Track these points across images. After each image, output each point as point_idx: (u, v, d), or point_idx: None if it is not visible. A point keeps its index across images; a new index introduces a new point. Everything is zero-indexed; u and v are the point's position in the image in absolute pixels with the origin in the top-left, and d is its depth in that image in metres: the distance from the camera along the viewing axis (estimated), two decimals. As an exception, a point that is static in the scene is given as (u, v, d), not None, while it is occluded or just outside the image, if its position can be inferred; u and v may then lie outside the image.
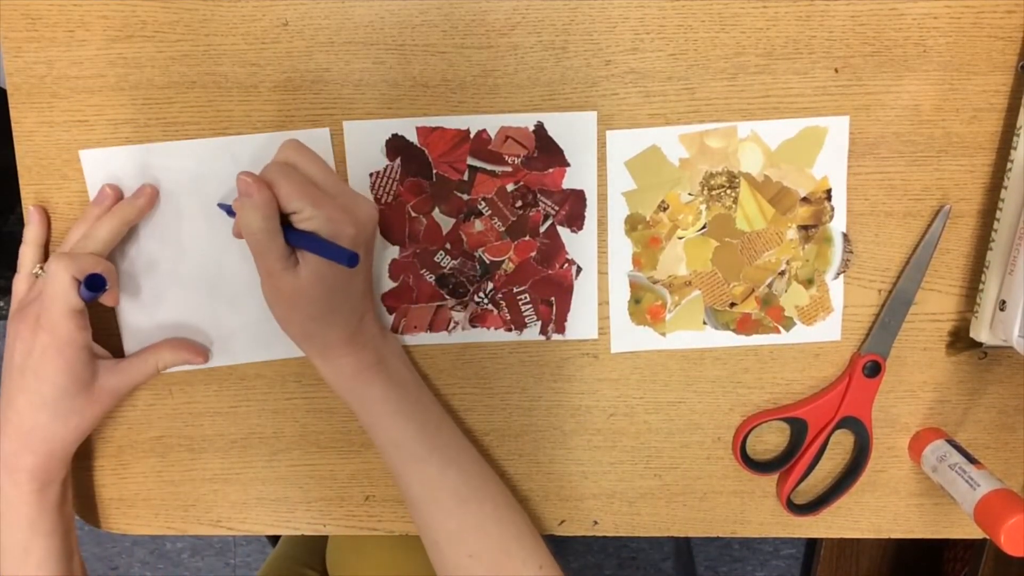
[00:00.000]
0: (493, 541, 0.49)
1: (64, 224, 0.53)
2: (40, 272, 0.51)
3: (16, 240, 0.53)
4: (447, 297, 0.54)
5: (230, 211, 0.49)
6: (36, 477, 0.49)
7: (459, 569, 0.49)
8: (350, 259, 0.44)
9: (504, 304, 0.54)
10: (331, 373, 0.50)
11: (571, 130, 0.51)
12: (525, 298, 0.54)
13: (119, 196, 0.51)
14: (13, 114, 0.51)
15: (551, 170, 0.52)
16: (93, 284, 0.46)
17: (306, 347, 0.50)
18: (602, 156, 0.52)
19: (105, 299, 0.51)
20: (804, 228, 0.53)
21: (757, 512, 0.58)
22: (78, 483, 0.57)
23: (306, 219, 0.45)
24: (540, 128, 0.51)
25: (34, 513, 0.49)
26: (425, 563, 0.51)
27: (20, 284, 0.52)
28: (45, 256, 0.53)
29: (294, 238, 0.45)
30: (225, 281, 0.53)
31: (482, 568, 0.49)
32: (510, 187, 0.52)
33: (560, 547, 1.45)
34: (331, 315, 0.47)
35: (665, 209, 0.52)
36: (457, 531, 0.49)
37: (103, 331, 0.53)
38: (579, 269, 0.53)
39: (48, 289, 0.46)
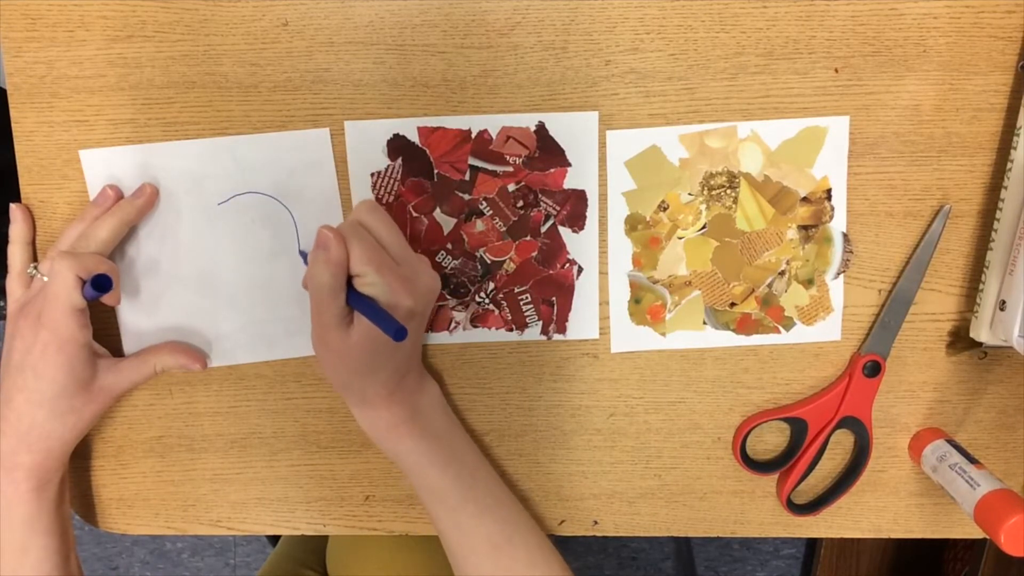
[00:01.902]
0: None
1: (65, 225, 0.52)
2: (35, 271, 0.51)
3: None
4: (448, 297, 0.54)
5: (307, 260, 0.49)
6: (34, 475, 0.49)
7: None
8: (397, 332, 0.44)
9: (505, 304, 0.54)
10: (366, 423, 0.51)
11: (573, 130, 0.51)
12: (526, 298, 0.54)
13: (119, 197, 0.51)
14: (13, 114, 0.51)
15: (552, 170, 0.52)
16: (99, 284, 0.46)
17: (344, 396, 0.51)
18: (602, 156, 0.52)
19: (107, 299, 0.51)
20: (804, 228, 0.53)
21: (757, 512, 0.57)
22: (78, 483, 0.57)
23: (368, 284, 0.45)
24: (542, 128, 0.51)
25: (32, 512, 0.49)
26: (425, 563, 0.51)
27: (14, 284, 0.52)
28: (33, 254, 0.53)
29: (353, 299, 0.46)
30: (224, 281, 0.53)
31: None
32: (511, 187, 0.52)
33: (560, 547, 1.44)
34: (373, 374, 0.48)
35: (665, 209, 0.52)
36: None
37: (103, 331, 0.53)
38: (580, 269, 0.53)
39: (51, 287, 0.46)
